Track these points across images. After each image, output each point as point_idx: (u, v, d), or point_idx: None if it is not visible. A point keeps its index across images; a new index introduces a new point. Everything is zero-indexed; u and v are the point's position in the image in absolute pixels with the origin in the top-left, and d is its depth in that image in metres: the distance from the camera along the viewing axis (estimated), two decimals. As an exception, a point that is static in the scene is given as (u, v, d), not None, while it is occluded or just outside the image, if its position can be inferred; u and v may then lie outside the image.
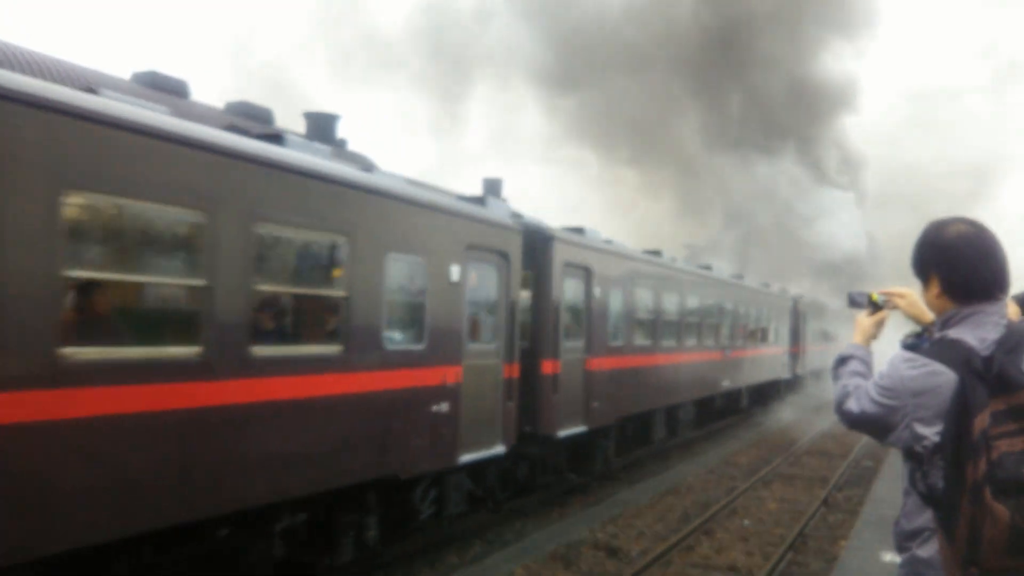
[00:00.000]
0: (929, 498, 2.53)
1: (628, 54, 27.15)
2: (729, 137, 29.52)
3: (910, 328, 3.00)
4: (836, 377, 2.89)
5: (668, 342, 16.53)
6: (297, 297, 7.34)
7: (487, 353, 10.15)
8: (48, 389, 5.08)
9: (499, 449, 10.24)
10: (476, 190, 16.29)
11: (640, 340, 15.07)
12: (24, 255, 4.94)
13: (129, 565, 6.01)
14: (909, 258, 2.81)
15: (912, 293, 3.04)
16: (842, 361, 2.92)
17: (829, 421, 23.19)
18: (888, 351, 2.75)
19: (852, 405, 2.71)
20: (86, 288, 5.43)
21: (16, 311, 4.90)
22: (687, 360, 17.67)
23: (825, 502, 13.30)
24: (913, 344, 2.77)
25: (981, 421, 2.29)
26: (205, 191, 6.09)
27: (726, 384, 20.91)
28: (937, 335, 2.68)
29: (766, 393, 26.48)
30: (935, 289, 2.71)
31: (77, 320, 5.34)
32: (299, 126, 12.41)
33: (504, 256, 10.49)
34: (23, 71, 7.05)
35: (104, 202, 5.48)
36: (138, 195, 5.63)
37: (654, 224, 31.93)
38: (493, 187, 16.65)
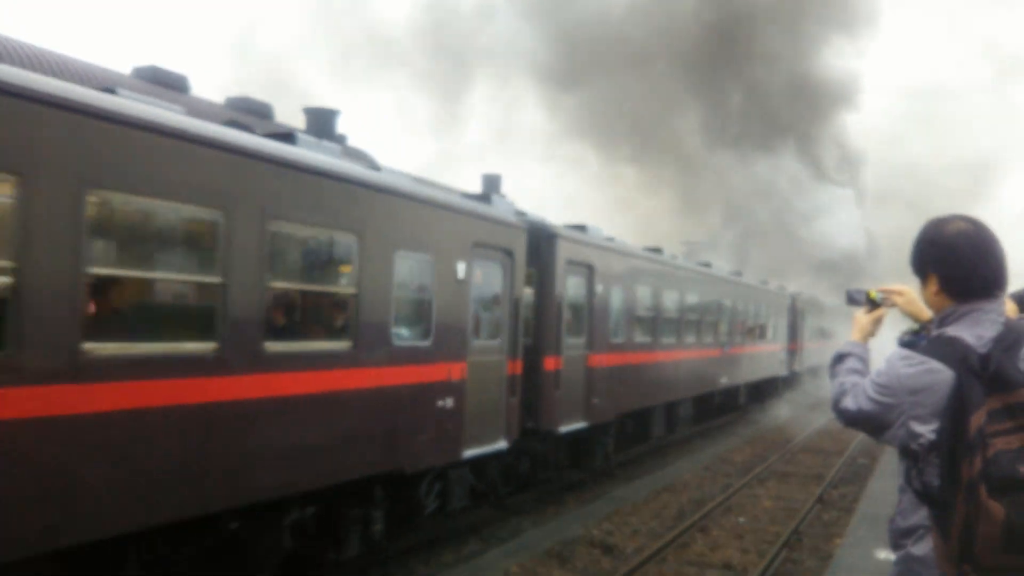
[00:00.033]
0: (924, 496, 2.53)
1: (629, 51, 27.23)
2: (729, 134, 29.61)
3: (907, 325, 3.00)
4: (833, 375, 2.89)
5: (668, 339, 16.68)
6: (308, 294, 7.47)
7: (491, 349, 10.29)
8: (70, 384, 5.20)
9: (502, 444, 10.38)
10: (475, 186, 16.39)
11: (640, 337, 15.22)
12: (49, 252, 5.06)
13: (144, 558, 6.14)
14: (907, 256, 2.81)
15: (910, 291, 3.04)
16: (840, 359, 2.92)
17: (825, 418, 23.34)
18: (886, 349, 2.76)
19: (849, 403, 2.70)
20: (107, 285, 5.56)
21: (41, 307, 5.02)
22: (686, 357, 17.82)
23: (820, 500, 13.34)
24: (910, 341, 2.77)
25: (977, 419, 2.31)
26: (222, 190, 6.21)
27: (724, 381, 21.08)
28: (935, 333, 2.67)
29: (763, 390, 26.65)
30: (933, 287, 2.71)
31: (98, 316, 5.47)
32: (299, 122, 12.44)
33: (509, 254, 10.62)
34: (23, 66, 7.15)
35: (125, 200, 5.61)
36: (157, 194, 5.75)
37: (653, 221, 32.07)
38: (492, 183, 16.72)
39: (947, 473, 2.37)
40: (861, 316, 3.08)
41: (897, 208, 36.22)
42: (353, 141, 13.58)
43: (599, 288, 13.25)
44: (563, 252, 12.06)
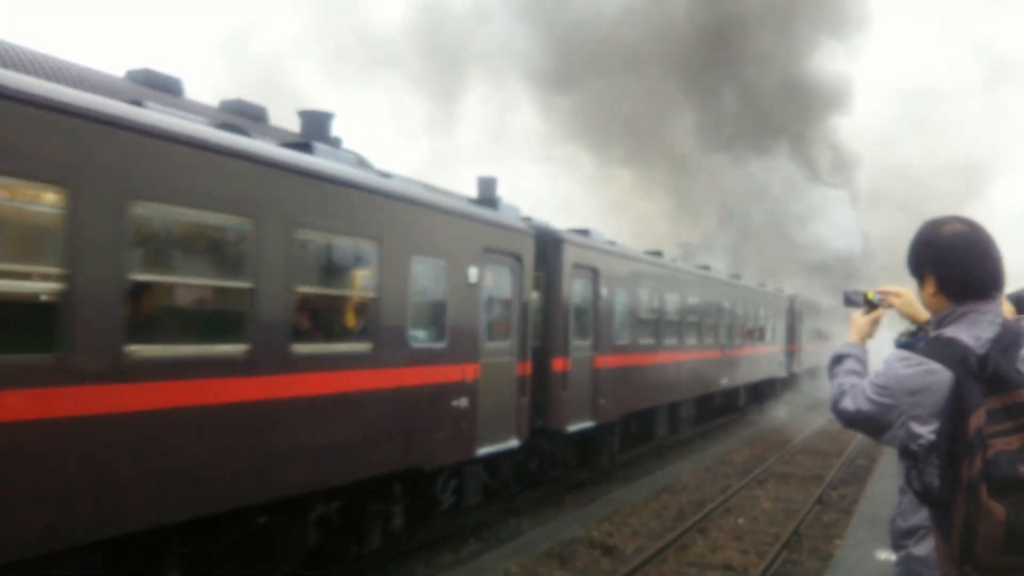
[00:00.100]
0: (924, 496, 2.53)
1: (623, 53, 27.52)
2: (723, 135, 29.86)
3: (904, 327, 3.01)
4: (832, 376, 2.89)
5: (670, 341, 17.00)
6: (331, 298, 7.78)
7: (502, 351, 10.59)
8: (115, 384, 5.50)
9: (513, 443, 10.68)
10: (470, 188, 16.55)
11: (644, 339, 15.54)
12: (95, 260, 5.35)
13: (182, 550, 6.42)
14: (903, 257, 2.83)
15: (908, 292, 3.03)
16: (838, 360, 2.92)
17: (823, 419, 23.49)
18: (883, 350, 2.78)
19: (848, 404, 2.70)
20: (147, 290, 5.85)
21: (88, 311, 5.31)
22: (688, 358, 18.15)
23: (820, 501, 13.37)
24: (907, 343, 2.79)
25: (977, 419, 2.32)
26: (251, 199, 6.51)
27: (725, 382, 21.40)
28: (933, 334, 2.67)
29: (762, 391, 26.96)
30: (931, 288, 2.71)
31: (139, 319, 5.75)
32: (293, 124, 12.47)
33: (517, 258, 10.93)
34: (19, 70, 7.35)
35: (163, 210, 5.90)
36: (193, 203, 6.06)
37: (648, 223, 32.35)
38: (488, 186, 16.90)
39: (947, 474, 2.38)
40: (859, 317, 3.08)
41: (890, 210, 36.60)
42: (347, 144, 13.72)
43: (604, 291, 13.56)
44: (569, 256, 12.37)
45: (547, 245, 12.04)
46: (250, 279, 6.52)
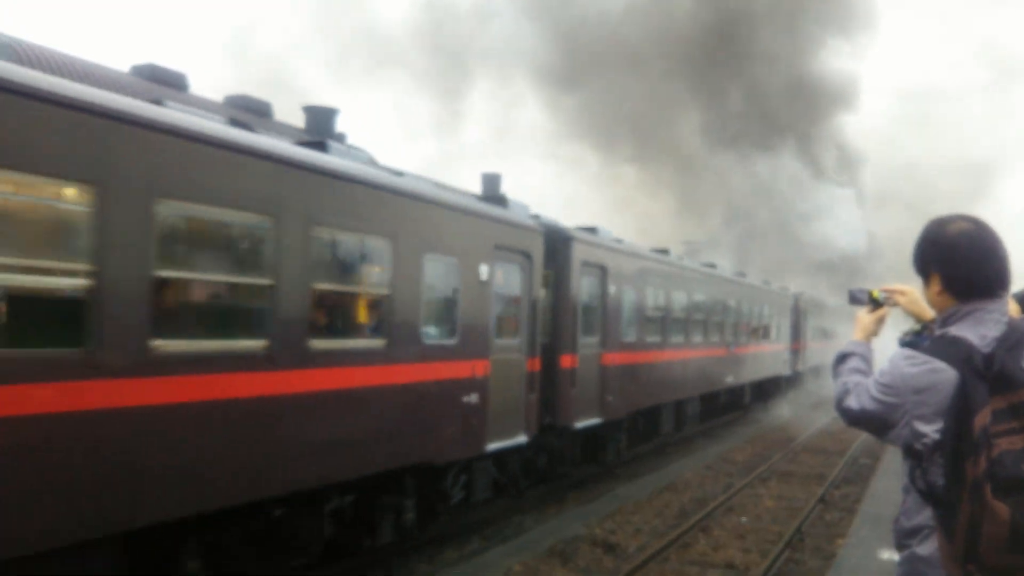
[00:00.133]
0: (929, 496, 2.53)
1: (628, 51, 27.57)
2: (728, 134, 29.89)
3: (909, 325, 3.00)
4: (836, 374, 2.88)
5: (676, 338, 17.13)
6: (347, 294, 7.91)
7: (511, 348, 10.73)
8: (140, 378, 5.64)
9: (522, 439, 10.82)
10: (473, 185, 16.63)
11: (650, 336, 15.67)
12: (123, 257, 5.49)
13: (203, 541, 6.57)
14: (908, 256, 2.82)
15: (913, 290, 3.04)
16: (842, 358, 2.91)
17: (827, 418, 23.48)
18: (888, 349, 2.78)
19: (852, 402, 2.70)
20: (172, 286, 6.00)
21: (115, 307, 5.45)
22: (694, 356, 18.27)
23: (823, 500, 13.34)
24: (911, 342, 2.76)
25: (982, 419, 2.32)
26: (271, 198, 6.65)
27: (730, 380, 21.51)
28: (938, 332, 2.67)
29: (767, 389, 27.06)
30: (936, 286, 2.70)
31: (163, 315, 5.89)
32: (298, 119, 12.51)
33: (527, 256, 11.06)
34: (28, 65, 7.44)
35: (188, 208, 6.04)
36: (216, 201, 6.20)
37: (653, 221, 32.41)
38: (492, 183, 16.93)
39: (951, 473, 2.38)
40: (864, 316, 3.08)
41: (895, 209, 36.61)
42: (352, 139, 13.75)
43: (612, 289, 13.69)
44: (578, 254, 12.50)
45: (556, 243, 12.17)
46: (269, 276, 6.66)
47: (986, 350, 2.45)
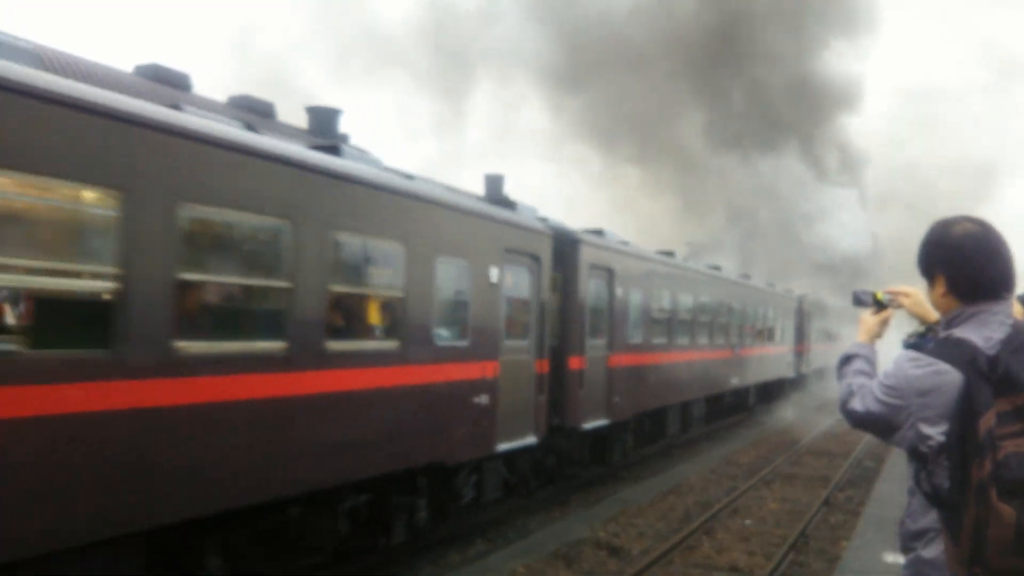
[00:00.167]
0: (934, 498, 2.52)
1: (632, 52, 27.66)
2: (731, 134, 29.94)
3: (913, 327, 2.99)
4: (841, 376, 2.87)
5: (682, 340, 17.25)
6: (362, 297, 8.04)
7: (521, 349, 10.85)
8: (164, 378, 5.77)
9: (532, 439, 10.94)
10: (474, 186, 16.70)
11: (656, 338, 15.79)
12: (147, 260, 5.62)
13: (220, 540, 6.69)
14: (912, 258, 2.82)
15: (917, 292, 3.03)
16: (847, 360, 2.89)
17: (831, 420, 23.51)
18: (892, 351, 2.77)
19: (857, 404, 2.69)
20: (194, 288, 6.12)
21: (140, 309, 5.58)
22: (699, 358, 18.39)
23: (827, 502, 13.33)
24: (915, 344, 2.77)
25: (987, 421, 2.31)
26: (290, 202, 6.78)
27: (735, 382, 21.63)
28: (942, 334, 2.66)
29: (771, 391, 27.15)
30: (941, 288, 2.70)
31: (187, 317, 6.02)
32: (301, 120, 12.58)
33: (536, 258, 11.18)
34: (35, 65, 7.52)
35: (210, 212, 6.17)
36: (236, 205, 6.33)
37: (655, 222, 32.47)
38: (495, 184, 17.01)
39: (957, 475, 2.38)
40: (868, 317, 3.07)
41: (898, 210, 36.67)
42: (355, 140, 13.80)
43: (619, 291, 13.81)
44: (586, 257, 12.62)
45: (564, 245, 12.29)
46: (288, 279, 6.79)
47: (991, 352, 2.44)
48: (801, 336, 29.57)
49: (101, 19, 48.22)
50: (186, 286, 5.99)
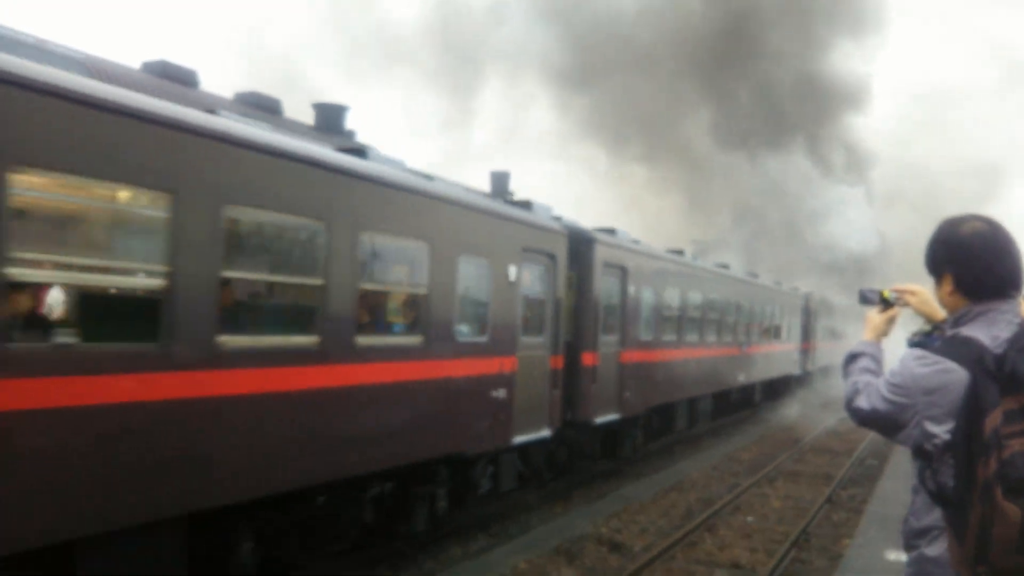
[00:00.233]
0: (938, 496, 2.52)
1: (640, 52, 27.81)
2: (738, 132, 30.04)
3: (918, 326, 3.00)
4: (847, 374, 2.87)
5: (691, 337, 17.55)
6: (389, 294, 8.37)
7: (537, 345, 11.16)
8: (208, 371, 6.09)
9: (546, 432, 11.26)
10: (482, 183, 16.90)
11: (667, 335, 16.10)
12: (194, 258, 5.94)
13: (254, 526, 7.03)
14: (919, 257, 2.83)
15: (924, 290, 3.02)
16: (853, 358, 2.89)
17: (834, 418, 23.69)
18: (898, 349, 2.78)
19: (863, 402, 2.69)
20: (236, 286, 6.45)
21: (187, 305, 5.90)
22: (707, 355, 18.69)
23: (829, 500, 13.37)
24: (920, 342, 2.77)
25: (993, 420, 2.31)
26: (325, 204, 7.10)
27: (742, 379, 21.92)
28: (949, 333, 2.67)
29: (777, 388, 27.40)
30: (948, 286, 2.70)
31: (229, 312, 6.35)
32: (308, 116, 12.75)
33: (552, 257, 11.48)
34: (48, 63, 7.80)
35: (251, 214, 6.49)
36: (276, 207, 6.64)
37: (661, 220, 32.65)
38: (501, 181, 17.18)
39: (962, 474, 2.38)
40: (874, 315, 3.07)
41: (905, 209, 36.76)
42: (361, 137, 13.95)
43: (631, 289, 14.10)
44: (600, 255, 12.92)
45: (579, 244, 12.59)
46: (321, 277, 7.10)
47: (998, 351, 2.44)
48: (807, 334, 29.81)
49: (108, 15, 48.53)
50: (228, 283, 6.31)
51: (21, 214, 4.99)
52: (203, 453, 6.10)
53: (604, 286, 13.22)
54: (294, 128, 10.17)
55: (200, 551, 6.58)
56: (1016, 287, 2.64)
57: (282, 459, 6.80)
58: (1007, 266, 2.62)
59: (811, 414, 25.60)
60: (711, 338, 19.03)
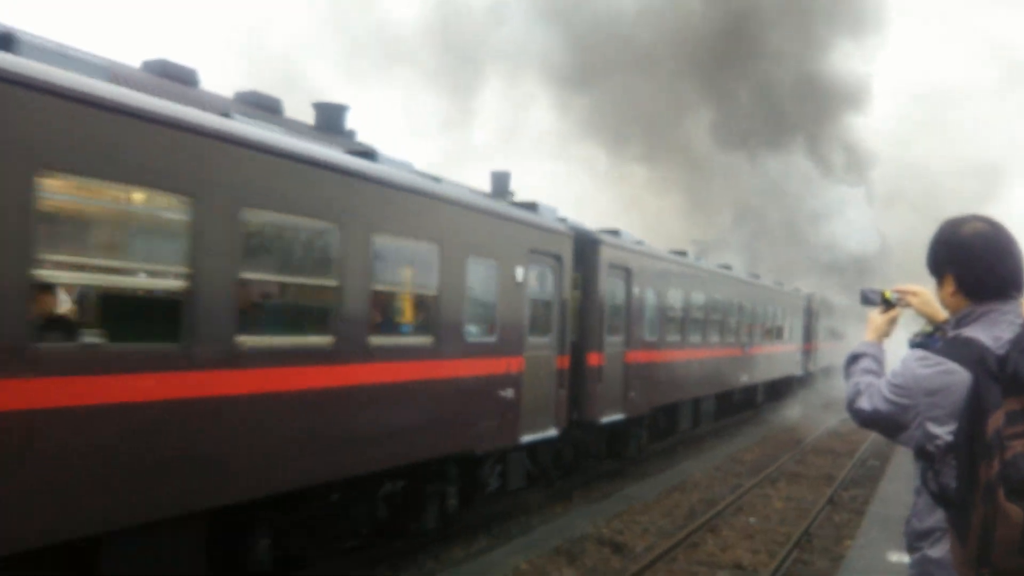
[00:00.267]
0: (941, 498, 2.51)
1: (640, 52, 27.91)
2: (739, 132, 30.12)
3: (920, 326, 2.99)
4: (848, 375, 2.86)
5: (694, 338, 17.69)
6: (400, 295, 8.52)
7: (543, 346, 11.31)
8: (227, 370, 6.24)
9: (553, 432, 11.41)
10: (483, 183, 17.04)
11: (670, 336, 16.25)
12: (214, 260, 6.09)
13: (271, 522, 7.17)
14: (919, 257, 2.83)
15: (926, 291, 3.01)
16: (854, 359, 2.89)
17: (836, 419, 23.71)
18: (900, 350, 2.78)
19: (864, 403, 2.69)
20: (254, 287, 6.60)
21: (207, 306, 6.05)
22: (711, 356, 18.83)
23: (831, 501, 13.35)
24: (922, 343, 2.76)
25: (995, 421, 2.29)
26: (338, 206, 7.25)
27: (744, 379, 22.06)
28: (951, 334, 2.66)
29: (779, 389, 27.52)
30: (950, 287, 2.69)
31: (247, 313, 6.49)
32: (308, 116, 12.83)
33: (558, 259, 11.63)
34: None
35: (267, 216, 6.64)
36: (292, 210, 6.80)
37: (661, 220, 32.75)
38: (501, 181, 17.29)
39: (964, 475, 2.37)
40: (876, 316, 3.07)
41: (905, 210, 36.86)
42: (361, 136, 14.04)
43: (636, 290, 14.25)
44: (605, 257, 13.07)
45: (585, 246, 12.73)
46: (335, 278, 7.25)
47: (1000, 352, 2.44)
48: (809, 335, 29.94)
49: (108, 14, 48.67)
50: (246, 284, 6.46)
51: (49, 217, 5.14)
52: (223, 451, 6.24)
53: (609, 287, 13.36)
54: (294, 127, 10.30)
55: (218, 548, 6.72)
56: (1018, 288, 2.64)
57: (298, 457, 6.94)
58: (1009, 267, 2.62)
59: (813, 415, 25.63)
60: (714, 339, 19.17)
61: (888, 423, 2.64)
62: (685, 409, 17.81)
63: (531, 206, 12.11)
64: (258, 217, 6.55)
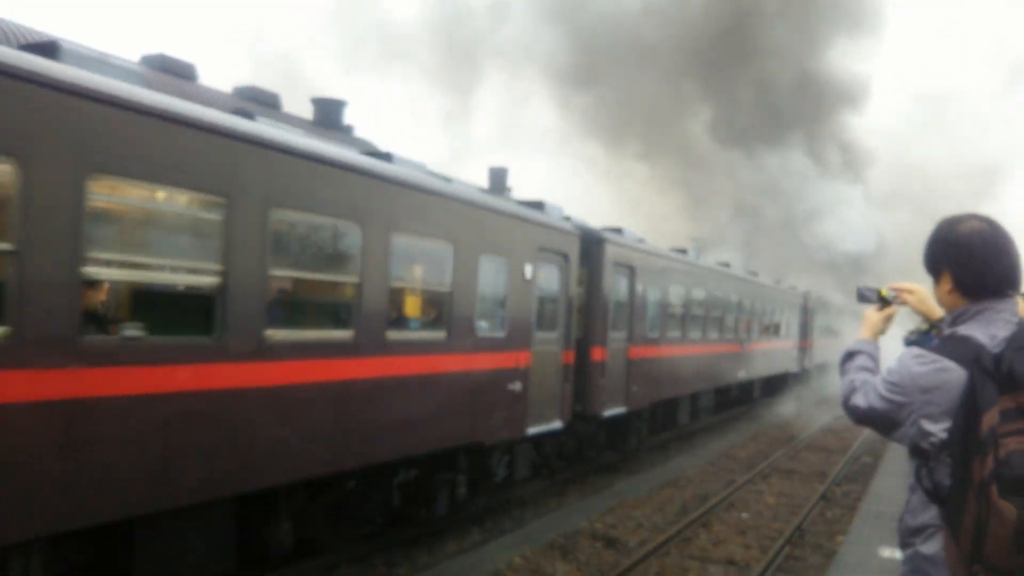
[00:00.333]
0: (934, 495, 2.53)
1: (641, 50, 28.12)
2: (737, 129, 30.32)
3: (915, 324, 2.99)
4: (844, 372, 2.87)
5: (694, 334, 18.05)
6: (416, 291, 8.83)
7: (550, 341, 11.63)
8: (257, 362, 6.55)
9: (558, 424, 11.75)
10: (479, 179, 17.21)
11: (672, 332, 16.60)
12: (245, 257, 6.40)
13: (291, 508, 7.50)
14: (916, 256, 2.84)
15: (922, 289, 3.02)
16: (850, 356, 2.90)
17: (830, 416, 23.97)
18: (896, 348, 2.79)
19: (859, 400, 2.70)
20: (282, 283, 6.91)
21: (239, 300, 6.36)
22: (710, 351, 19.19)
23: (824, 497, 13.44)
24: (917, 341, 2.78)
25: (990, 419, 2.29)
26: (361, 207, 7.56)
27: (742, 375, 22.43)
28: (947, 332, 2.67)
29: (776, 385, 27.89)
30: (946, 285, 2.71)
31: (274, 308, 6.81)
32: (306, 111, 12.91)
33: (565, 256, 11.95)
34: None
35: (294, 216, 6.95)
36: (317, 210, 7.10)
37: (660, 218, 33.01)
38: (499, 177, 17.45)
39: (958, 473, 2.38)
40: (872, 314, 3.08)
41: (903, 210, 37.11)
42: (359, 132, 14.17)
43: (639, 287, 14.59)
44: (610, 255, 13.40)
45: (590, 244, 13.05)
46: (356, 274, 7.57)
47: (995, 350, 2.44)
48: (805, 332, 30.30)
49: (107, 8, 48.74)
50: (274, 280, 6.77)
51: (97, 217, 5.44)
52: (252, 439, 6.56)
53: (613, 284, 13.69)
54: (292, 123, 10.43)
55: (245, 531, 7.05)
56: (1014, 286, 2.66)
57: (321, 445, 7.27)
58: (1005, 265, 2.65)
59: (807, 411, 25.74)
60: (713, 335, 19.53)
61: (883, 420, 2.66)
62: (684, 404, 18.18)
63: (538, 205, 12.39)
64: (285, 217, 6.85)
